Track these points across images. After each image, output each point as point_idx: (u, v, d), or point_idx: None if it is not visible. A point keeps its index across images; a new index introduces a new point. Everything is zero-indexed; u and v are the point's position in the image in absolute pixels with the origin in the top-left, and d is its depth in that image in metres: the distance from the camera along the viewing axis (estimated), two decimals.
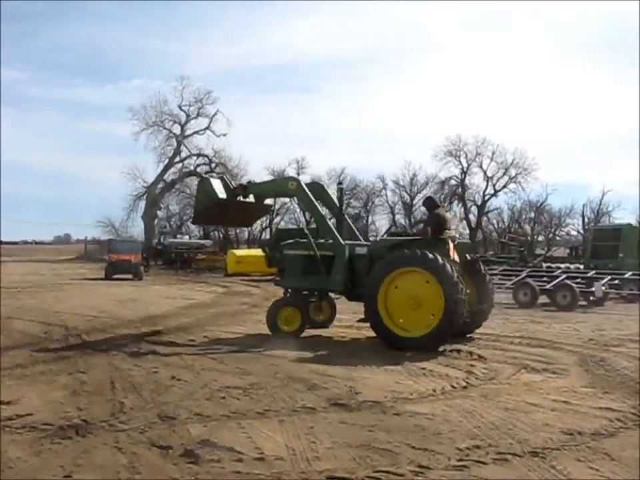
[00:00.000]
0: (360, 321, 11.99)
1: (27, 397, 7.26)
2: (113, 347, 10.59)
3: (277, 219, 68.51)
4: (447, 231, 11.54)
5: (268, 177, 69.24)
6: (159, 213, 63.92)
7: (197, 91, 63.18)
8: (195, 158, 64.86)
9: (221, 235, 66.39)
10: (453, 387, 7.84)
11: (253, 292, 24.79)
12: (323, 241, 11.97)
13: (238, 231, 64.47)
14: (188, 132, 64.44)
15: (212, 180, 12.90)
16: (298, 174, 68.58)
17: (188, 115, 64.12)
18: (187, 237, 58.84)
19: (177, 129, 64.43)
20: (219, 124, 63.30)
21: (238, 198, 12.50)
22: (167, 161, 63.70)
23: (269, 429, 5.99)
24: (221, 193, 12.22)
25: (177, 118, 64.38)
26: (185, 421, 6.27)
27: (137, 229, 64.49)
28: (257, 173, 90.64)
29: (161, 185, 63.10)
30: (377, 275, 10.75)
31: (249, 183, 12.86)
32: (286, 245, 12.17)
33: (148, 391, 7.52)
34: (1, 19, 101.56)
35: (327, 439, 5.69)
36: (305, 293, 12.37)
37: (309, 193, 12.29)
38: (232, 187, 12.48)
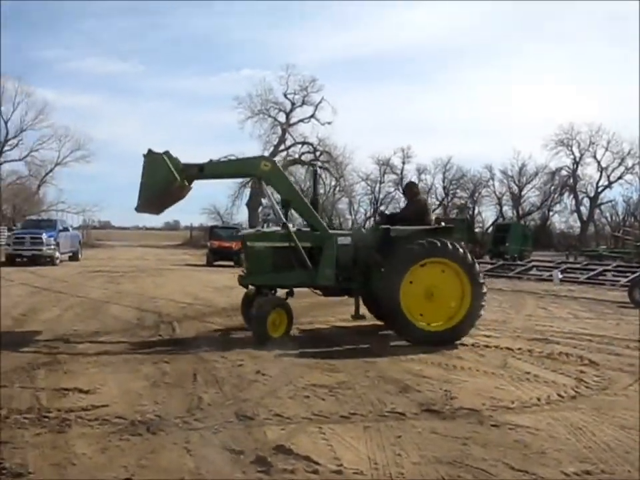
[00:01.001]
0: (356, 317, 10.97)
1: (107, 386, 7.03)
2: (201, 336, 10.35)
3: (381, 208, 68.09)
4: (431, 219, 11.15)
5: (374, 167, 69.63)
6: (263, 200, 64.43)
7: (302, 79, 63.33)
8: (299, 146, 65.24)
9: None
10: (560, 396, 7.03)
11: None
12: (304, 230, 11.01)
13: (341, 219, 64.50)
14: (293, 120, 64.87)
15: (165, 156, 10.04)
16: (403, 162, 68.09)
17: (293, 103, 64.49)
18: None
19: (282, 117, 64.92)
20: (323, 112, 63.40)
21: (185, 181, 10.33)
22: (271, 149, 64.19)
23: (352, 436, 5.46)
24: (178, 174, 10.01)
25: (282, 106, 64.88)
26: (263, 421, 5.83)
27: (242, 217, 65.35)
28: (362, 161, 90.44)
29: None
30: (400, 266, 9.93)
31: (209, 162, 10.49)
32: (251, 235, 10.90)
33: (230, 386, 7.14)
34: (116, 14, 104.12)
35: (415, 451, 5.11)
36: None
37: (286, 175, 10.94)
38: (181, 167, 10.08)
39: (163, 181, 9.87)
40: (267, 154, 63.21)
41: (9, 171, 68.31)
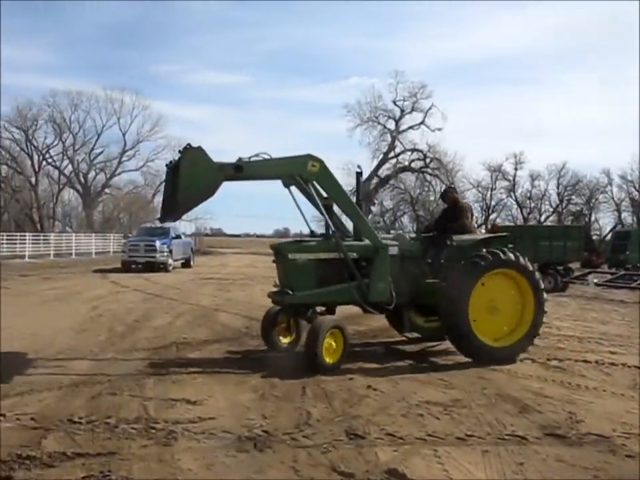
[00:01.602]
0: (406, 333, 9.96)
1: (214, 398, 6.91)
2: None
3: (492, 215, 66.93)
4: (473, 226, 10.43)
5: (485, 173, 68.21)
6: (372, 208, 64.17)
7: (412, 86, 62.80)
8: (409, 153, 64.69)
9: None
10: None
11: None
12: (352, 240, 9.51)
13: None
14: (402, 127, 64.39)
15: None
16: (515, 169, 66.36)
17: (402, 110, 64.06)
18: (400, 232, 58.52)
19: (391, 124, 64.59)
20: (433, 118, 62.75)
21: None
22: (381, 156, 64.04)
23: (469, 460, 5.07)
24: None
25: (391, 113, 64.62)
26: (375, 441, 5.52)
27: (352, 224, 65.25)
28: (473, 167, 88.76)
29: (375, 181, 63.30)
30: (469, 279, 9.04)
31: (247, 161, 8.72)
32: (290, 246, 9.35)
33: (339, 401, 6.87)
34: (224, 29, 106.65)
35: None
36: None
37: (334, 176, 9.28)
38: (217, 166, 8.51)
39: (206, 178, 8.42)
40: (376, 162, 63.20)
41: (126, 181, 71.12)
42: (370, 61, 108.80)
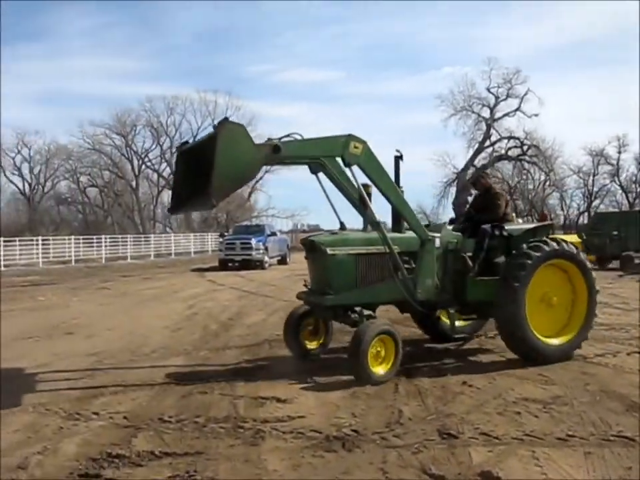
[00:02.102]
0: (454, 333, 9.11)
1: (305, 396, 6.82)
2: (404, 340, 9.87)
3: (596, 202, 64.73)
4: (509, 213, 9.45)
5: (586, 158, 65.91)
6: (469, 198, 63.01)
7: (506, 72, 61.12)
8: (505, 141, 62.96)
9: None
10: None
11: None
12: (395, 233, 8.53)
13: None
14: (497, 115, 62.73)
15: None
16: (619, 152, 63.65)
17: (497, 97, 62.39)
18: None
19: (485, 112, 63.06)
20: (529, 104, 60.75)
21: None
22: (476, 145, 62.68)
23: (570, 463, 4.74)
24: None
25: (485, 101, 63.05)
26: (468, 441, 5.27)
27: (449, 216, 64.45)
28: (573, 153, 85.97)
29: (471, 171, 62.00)
30: (524, 272, 8.27)
31: (284, 141, 7.52)
32: (327, 240, 8.28)
33: (433, 398, 6.65)
34: (310, 26, 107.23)
35: None
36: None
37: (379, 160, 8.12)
38: (257, 147, 7.22)
39: (247, 159, 7.10)
40: (471, 151, 61.96)
41: None
42: (462, 50, 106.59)
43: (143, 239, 46.88)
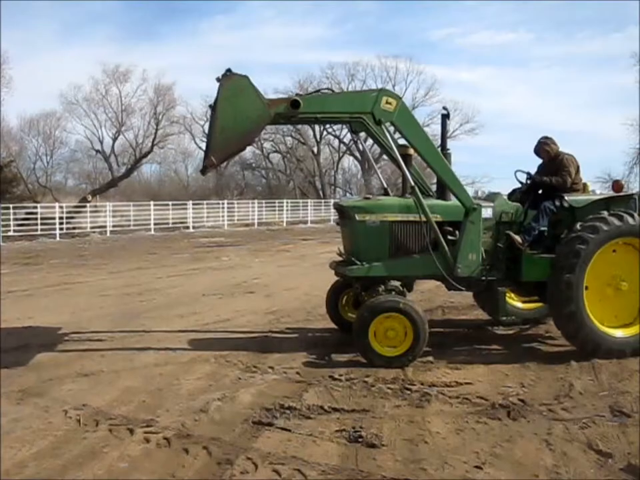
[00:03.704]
0: (503, 316, 7.78)
1: (474, 363, 6.88)
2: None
3: None
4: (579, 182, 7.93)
5: None
6: None
7: None
8: None
9: None
10: None
11: None
12: (434, 200, 7.67)
13: None
14: None
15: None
16: None
17: None
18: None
19: None
20: None
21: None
22: None
23: None
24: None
25: None
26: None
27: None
28: None
29: None
30: (585, 250, 7.06)
31: (305, 95, 7.28)
32: (358, 206, 7.48)
33: (607, 374, 6.43)
34: None
35: None
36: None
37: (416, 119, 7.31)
38: (267, 101, 6.78)
39: (252, 114, 6.60)
40: None
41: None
42: None
43: (323, 204, 47.93)
